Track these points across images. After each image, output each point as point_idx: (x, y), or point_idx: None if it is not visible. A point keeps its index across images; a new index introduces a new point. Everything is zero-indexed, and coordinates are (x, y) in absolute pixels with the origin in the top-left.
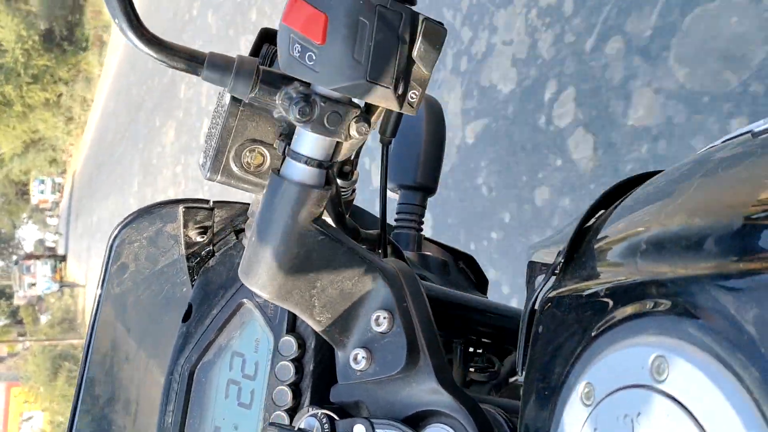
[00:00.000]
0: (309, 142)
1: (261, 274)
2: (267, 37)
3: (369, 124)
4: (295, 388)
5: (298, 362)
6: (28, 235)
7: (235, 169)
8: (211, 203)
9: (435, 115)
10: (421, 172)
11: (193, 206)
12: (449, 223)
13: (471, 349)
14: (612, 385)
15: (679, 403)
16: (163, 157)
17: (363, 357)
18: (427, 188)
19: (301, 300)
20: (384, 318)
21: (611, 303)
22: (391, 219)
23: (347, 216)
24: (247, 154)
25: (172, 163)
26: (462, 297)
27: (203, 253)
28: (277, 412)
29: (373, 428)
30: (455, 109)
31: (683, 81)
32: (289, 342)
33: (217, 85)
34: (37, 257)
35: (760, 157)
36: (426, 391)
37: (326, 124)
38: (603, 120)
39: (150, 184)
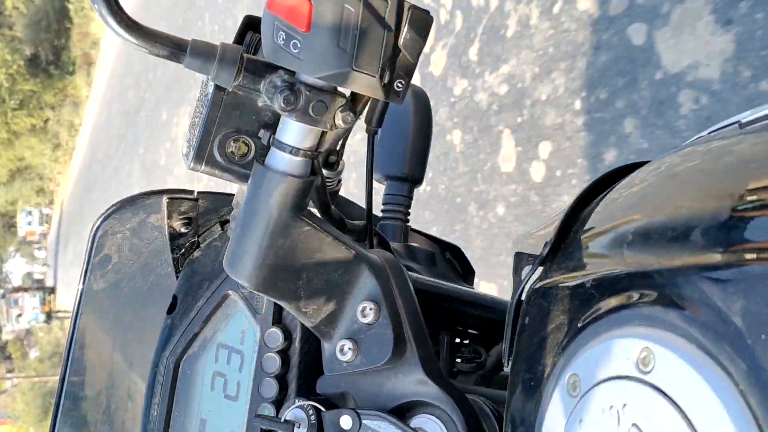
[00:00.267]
0: (294, 132)
1: (246, 265)
2: (251, 24)
3: (354, 113)
4: (282, 379)
5: (284, 354)
6: (15, 269)
7: (219, 158)
8: (196, 194)
9: (422, 105)
10: (408, 163)
11: (177, 197)
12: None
13: (458, 340)
14: (598, 376)
15: (665, 394)
16: (173, 154)
17: (349, 348)
18: (414, 179)
19: (287, 291)
20: (370, 309)
21: (597, 294)
22: (377, 210)
23: (333, 206)
24: (232, 143)
25: None
26: (448, 288)
27: (188, 244)
28: (263, 404)
29: (360, 419)
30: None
31: None
32: (276, 334)
33: (201, 73)
34: (25, 290)
35: (748, 148)
36: (412, 382)
37: (311, 113)
38: None
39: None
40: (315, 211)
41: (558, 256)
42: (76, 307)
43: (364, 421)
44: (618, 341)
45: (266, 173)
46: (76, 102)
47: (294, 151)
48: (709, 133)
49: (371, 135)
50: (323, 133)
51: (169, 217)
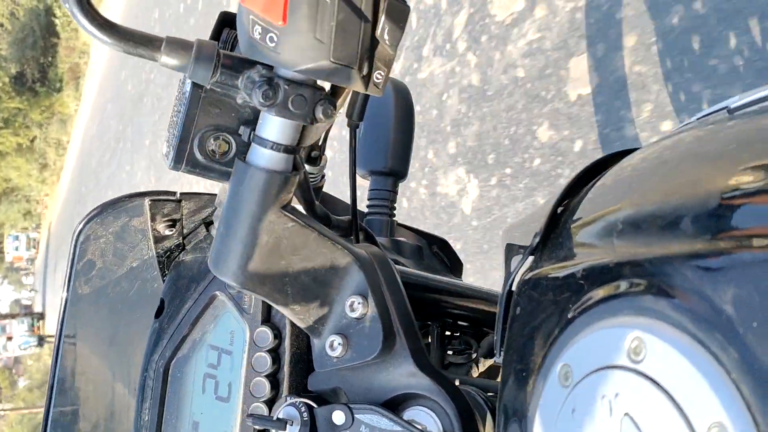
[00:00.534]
0: (274, 127)
1: (231, 264)
2: (226, 21)
3: (335, 106)
4: (273, 378)
5: (274, 353)
6: (2, 296)
7: (199, 157)
8: (178, 195)
9: (403, 98)
10: (391, 157)
11: (159, 198)
12: None
13: (448, 332)
14: (589, 366)
15: (657, 383)
16: None
17: (339, 344)
18: (398, 173)
19: (274, 289)
20: (358, 303)
21: (588, 284)
22: (363, 206)
23: (317, 202)
24: (212, 141)
25: None
26: (437, 280)
27: (173, 246)
28: (255, 404)
29: (353, 414)
30: None
31: None
32: (265, 333)
33: (177, 71)
34: (12, 316)
35: (736, 134)
36: (404, 374)
37: (291, 108)
38: None
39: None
40: (299, 207)
41: (548, 246)
42: (61, 315)
43: (356, 416)
44: (609, 331)
45: (248, 170)
46: (64, 119)
47: (275, 146)
48: (697, 120)
49: (353, 128)
50: (304, 128)
51: (153, 219)
